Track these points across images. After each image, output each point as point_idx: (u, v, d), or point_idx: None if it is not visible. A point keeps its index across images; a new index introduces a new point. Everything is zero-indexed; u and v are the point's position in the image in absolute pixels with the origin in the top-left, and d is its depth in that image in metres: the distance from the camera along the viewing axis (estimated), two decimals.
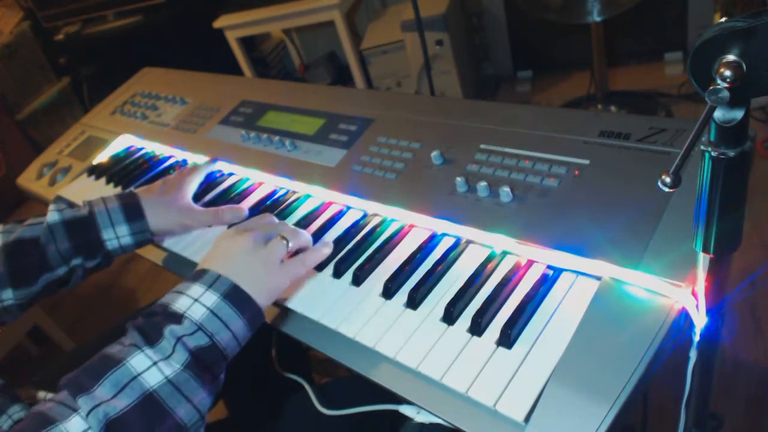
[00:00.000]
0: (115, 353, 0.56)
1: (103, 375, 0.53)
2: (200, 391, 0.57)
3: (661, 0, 2.26)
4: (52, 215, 0.81)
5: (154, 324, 0.58)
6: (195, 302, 0.59)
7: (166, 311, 0.59)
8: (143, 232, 0.83)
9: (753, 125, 1.00)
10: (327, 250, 0.72)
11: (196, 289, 0.61)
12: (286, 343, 0.77)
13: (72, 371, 0.56)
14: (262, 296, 0.63)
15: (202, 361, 0.58)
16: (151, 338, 0.57)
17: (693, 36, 2.30)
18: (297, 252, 0.71)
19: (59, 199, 0.85)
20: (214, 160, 0.99)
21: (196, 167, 0.93)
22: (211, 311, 0.59)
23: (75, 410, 0.52)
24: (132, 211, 0.83)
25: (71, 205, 0.84)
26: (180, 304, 0.59)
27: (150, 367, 0.55)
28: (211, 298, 0.60)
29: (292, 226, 0.73)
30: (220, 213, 0.85)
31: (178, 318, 0.58)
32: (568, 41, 2.47)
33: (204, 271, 0.63)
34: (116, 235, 0.82)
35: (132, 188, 1.02)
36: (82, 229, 0.81)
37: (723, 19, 0.35)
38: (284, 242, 0.68)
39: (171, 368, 0.56)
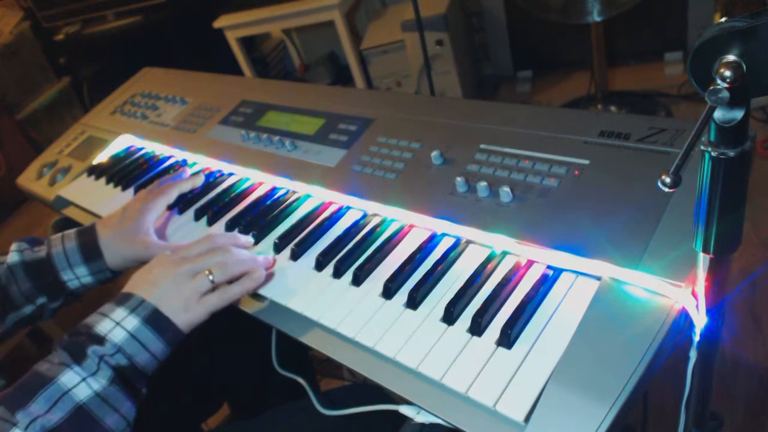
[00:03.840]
0: (45, 371, 0.60)
1: (36, 392, 0.58)
2: (126, 402, 0.62)
3: (661, 0, 2.26)
4: (12, 256, 0.82)
5: (78, 344, 0.62)
6: (117, 325, 0.64)
7: (89, 332, 0.63)
8: (102, 271, 0.84)
9: (753, 125, 1.00)
10: (250, 284, 0.71)
11: (119, 312, 0.65)
12: (286, 343, 0.77)
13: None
14: (180, 324, 0.67)
15: (125, 378, 0.63)
16: (77, 357, 0.61)
17: (693, 36, 2.30)
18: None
19: (24, 239, 0.85)
20: (194, 179, 0.94)
21: (165, 187, 0.89)
22: (131, 335, 0.64)
23: (14, 424, 0.56)
24: (89, 250, 0.83)
25: (33, 243, 0.85)
26: (102, 326, 0.64)
27: (79, 383, 0.60)
28: (132, 322, 0.65)
29: (228, 257, 0.71)
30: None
31: (100, 340, 0.63)
32: (568, 41, 2.47)
33: (129, 295, 0.67)
34: (76, 276, 0.83)
35: (130, 187, 1.01)
36: (41, 271, 0.82)
37: (723, 19, 0.35)
38: (209, 278, 0.69)
39: (98, 383, 0.61)
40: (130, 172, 1.08)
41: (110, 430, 0.61)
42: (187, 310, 0.67)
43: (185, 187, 0.92)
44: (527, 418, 0.49)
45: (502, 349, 0.55)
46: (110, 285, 0.88)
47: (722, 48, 0.34)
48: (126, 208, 0.86)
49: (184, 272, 0.69)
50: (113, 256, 0.83)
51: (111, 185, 1.08)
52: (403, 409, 0.61)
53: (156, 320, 0.65)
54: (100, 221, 0.86)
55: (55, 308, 0.85)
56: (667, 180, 0.36)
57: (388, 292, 0.65)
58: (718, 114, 0.37)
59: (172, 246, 0.83)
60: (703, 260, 0.46)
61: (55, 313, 0.86)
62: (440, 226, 0.71)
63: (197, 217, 0.90)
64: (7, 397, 0.58)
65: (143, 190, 0.92)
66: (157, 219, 0.87)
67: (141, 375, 0.65)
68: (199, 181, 0.95)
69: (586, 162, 0.67)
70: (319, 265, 0.72)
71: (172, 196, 0.89)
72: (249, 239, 0.80)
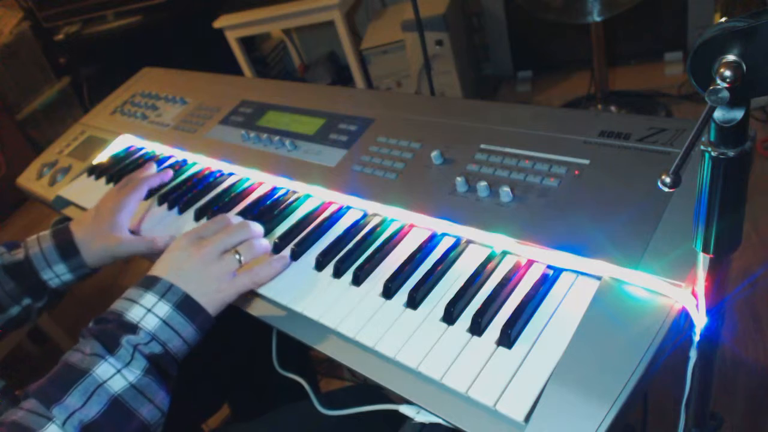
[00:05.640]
0: (78, 363, 0.59)
1: (71, 385, 0.57)
2: (160, 391, 0.62)
3: (661, 0, 2.26)
4: None
5: (110, 333, 0.61)
6: (148, 312, 0.63)
7: (120, 320, 0.62)
8: (81, 267, 0.85)
9: (753, 125, 1.00)
10: (278, 265, 0.72)
11: (149, 298, 0.64)
12: (287, 343, 0.77)
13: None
14: (210, 307, 0.67)
15: (159, 366, 0.62)
16: (110, 347, 0.60)
17: (693, 36, 2.30)
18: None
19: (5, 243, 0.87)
20: (163, 172, 0.96)
21: (135, 183, 0.89)
22: (164, 321, 0.63)
23: (50, 419, 0.55)
24: (66, 248, 0.84)
25: (11, 247, 0.86)
26: (133, 313, 0.63)
27: (114, 375, 0.59)
28: (164, 308, 0.64)
29: (248, 236, 0.72)
30: (155, 241, 0.83)
31: (133, 328, 0.62)
32: (568, 41, 2.47)
33: (156, 279, 0.66)
34: (56, 274, 0.84)
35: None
36: (21, 272, 0.83)
37: (723, 19, 0.35)
38: (237, 257, 0.69)
39: (133, 374, 0.60)
40: (130, 172, 1.08)
41: (146, 421, 0.60)
42: (218, 290, 0.67)
43: (154, 182, 0.93)
44: (527, 418, 0.49)
45: (502, 349, 0.55)
46: (110, 283, 0.89)
47: (722, 48, 0.34)
48: (98, 207, 0.87)
49: (209, 253, 0.68)
50: (89, 254, 0.84)
51: (111, 185, 1.08)
52: (403, 409, 0.61)
53: (187, 305, 0.65)
54: (74, 221, 0.87)
55: (40, 308, 0.86)
56: (667, 180, 0.36)
57: (388, 291, 0.65)
58: (718, 114, 0.37)
59: (147, 240, 0.83)
60: (703, 260, 0.46)
61: (41, 313, 0.87)
62: (440, 226, 0.71)
63: (197, 217, 0.90)
64: (41, 391, 0.57)
65: (113, 187, 0.93)
66: (136, 215, 0.88)
67: (173, 361, 0.65)
68: (167, 175, 0.97)
69: (586, 162, 0.67)
70: (319, 265, 0.72)
71: (143, 191, 0.90)
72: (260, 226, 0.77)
